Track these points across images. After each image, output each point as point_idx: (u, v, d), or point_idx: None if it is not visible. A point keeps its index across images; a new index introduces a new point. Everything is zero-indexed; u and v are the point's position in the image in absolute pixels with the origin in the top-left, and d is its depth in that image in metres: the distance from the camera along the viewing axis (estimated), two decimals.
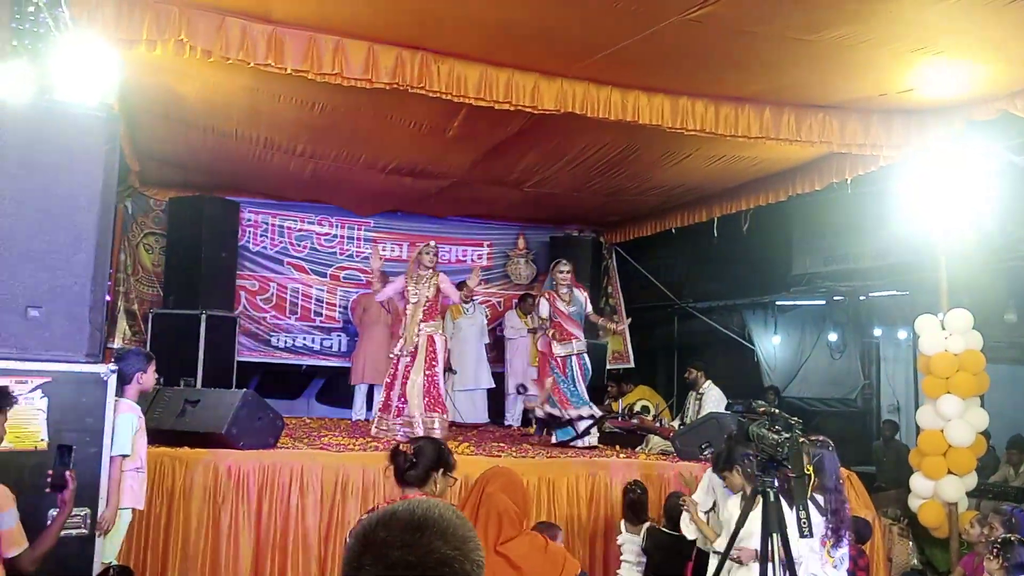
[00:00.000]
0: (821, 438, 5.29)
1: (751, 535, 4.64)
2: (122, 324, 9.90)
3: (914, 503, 7.12)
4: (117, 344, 9.55)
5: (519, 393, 9.90)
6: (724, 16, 4.79)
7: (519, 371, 10.10)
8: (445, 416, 7.55)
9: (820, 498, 4.96)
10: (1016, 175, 6.69)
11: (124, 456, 4.64)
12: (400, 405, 7.53)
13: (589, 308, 8.13)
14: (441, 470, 3.51)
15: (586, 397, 7.80)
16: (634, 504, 5.50)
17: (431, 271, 7.73)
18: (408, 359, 7.59)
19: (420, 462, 3.48)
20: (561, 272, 7.97)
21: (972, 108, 6.10)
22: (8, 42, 4.63)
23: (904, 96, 6.01)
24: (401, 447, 3.56)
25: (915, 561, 7.23)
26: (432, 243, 7.99)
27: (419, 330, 7.58)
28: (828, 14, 4.79)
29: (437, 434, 7.06)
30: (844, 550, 5.07)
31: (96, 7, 4.77)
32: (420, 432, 7.17)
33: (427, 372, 7.54)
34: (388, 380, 7.71)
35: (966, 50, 5.23)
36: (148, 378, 5.03)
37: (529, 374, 9.96)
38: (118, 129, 5.03)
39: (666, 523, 5.60)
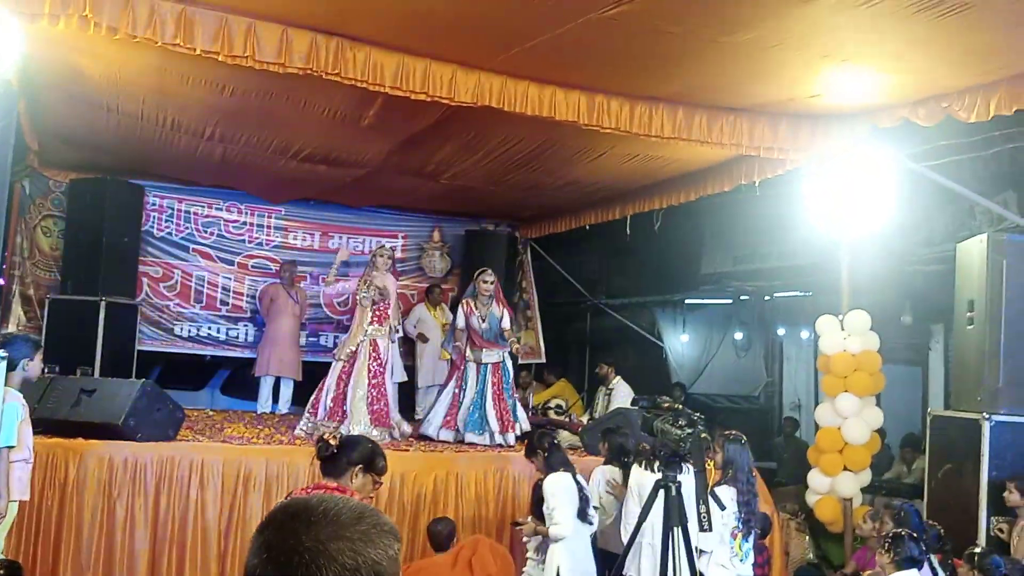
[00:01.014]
0: (734, 433, 5.43)
1: (652, 527, 4.72)
2: (17, 309, 9.49)
3: (811, 498, 7.34)
4: (12, 329, 9.15)
5: None
6: (640, 14, 4.83)
7: (429, 365, 10.04)
8: (387, 430, 7.40)
9: (733, 490, 5.09)
10: (915, 182, 6.95)
11: (10, 447, 4.43)
12: (331, 406, 7.37)
13: (507, 324, 7.95)
14: (361, 466, 3.59)
15: (490, 420, 7.61)
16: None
17: (382, 273, 7.62)
18: (347, 363, 7.45)
19: (342, 454, 3.59)
20: (484, 282, 7.89)
21: (876, 115, 6.30)
22: None
23: (812, 101, 6.17)
24: (326, 435, 3.66)
25: (811, 555, 7.46)
26: (387, 245, 7.91)
27: (365, 333, 7.45)
28: (741, 16, 4.87)
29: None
30: (750, 544, 5.21)
31: None
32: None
33: (372, 381, 7.41)
34: (325, 379, 7.56)
35: (871, 58, 5.39)
36: (34, 366, 4.84)
37: (439, 368, 9.93)
38: (15, 105, 4.83)
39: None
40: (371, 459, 3.66)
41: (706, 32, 5.10)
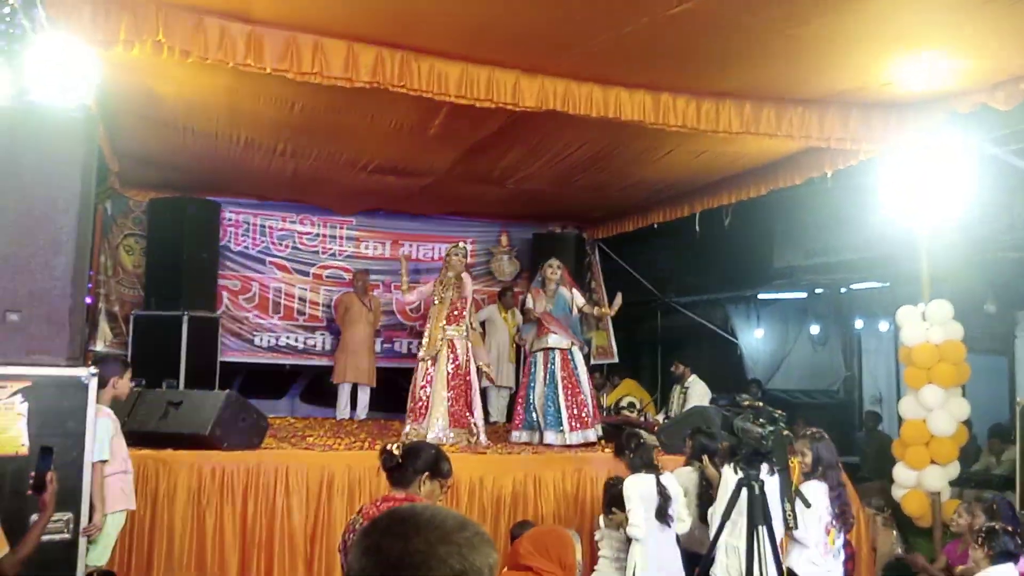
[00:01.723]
0: (817, 431, 5.37)
1: (736, 526, 4.68)
2: (103, 326, 9.82)
3: (897, 493, 7.17)
4: (100, 347, 9.49)
5: None
6: (703, 11, 4.79)
7: (496, 365, 10.08)
8: (464, 432, 7.48)
9: (824, 486, 5.04)
10: (996, 167, 6.74)
11: (103, 461, 4.61)
12: (421, 412, 7.47)
13: (580, 302, 8.05)
14: (427, 473, 3.54)
15: (560, 413, 7.59)
16: (615, 499, 5.54)
17: (459, 272, 7.71)
18: (429, 363, 7.56)
19: (407, 463, 3.53)
20: (551, 267, 7.97)
21: (952, 101, 6.13)
22: None
23: (883, 89, 6.04)
24: (389, 446, 3.59)
25: (899, 550, 7.28)
26: (460, 244, 7.99)
27: (443, 335, 7.55)
28: (807, 7, 4.80)
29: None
30: (843, 538, 5.15)
31: (73, 7, 4.72)
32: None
33: (451, 384, 7.49)
34: (412, 384, 7.69)
35: (945, 44, 5.26)
36: (123, 384, 5.01)
37: (505, 370, 10.00)
38: (96, 130, 5.00)
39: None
40: (435, 464, 3.62)
41: (771, 25, 5.03)
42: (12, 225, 4.20)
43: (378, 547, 1.41)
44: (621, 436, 5.90)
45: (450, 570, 1.38)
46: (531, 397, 7.77)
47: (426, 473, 3.55)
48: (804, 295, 12.34)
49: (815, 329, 12.90)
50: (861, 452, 10.55)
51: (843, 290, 11.70)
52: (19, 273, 4.19)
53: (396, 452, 3.54)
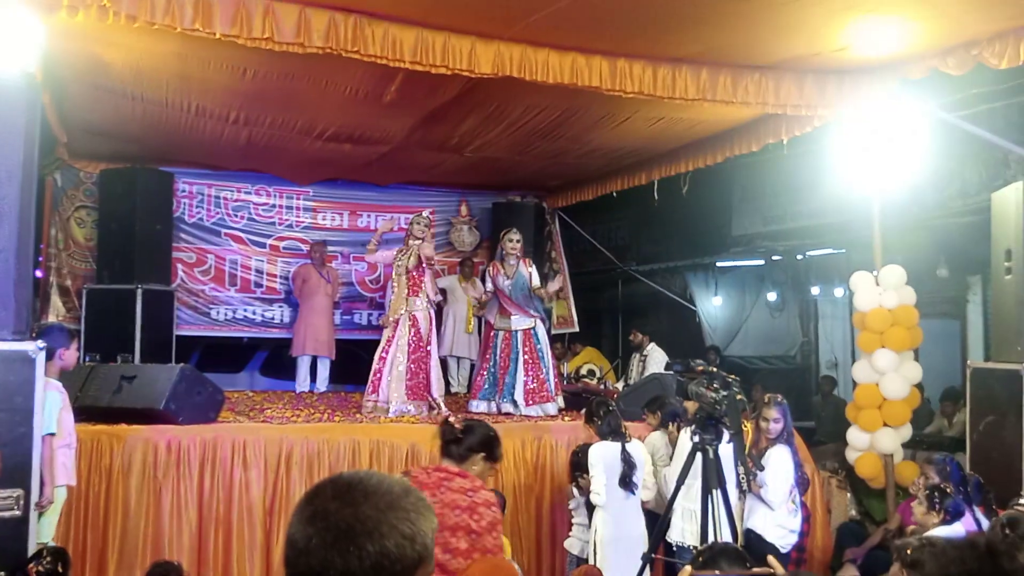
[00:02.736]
0: (775, 395, 5.44)
1: (692, 490, 4.73)
2: (55, 300, 9.66)
3: (851, 455, 7.30)
4: (51, 320, 9.32)
5: None
6: None
7: (449, 335, 10.06)
8: (424, 404, 7.48)
9: (788, 449, 5.13)
10: (947, 133, 6.82)
11: (51, 435, 4.52)
12: (375, 383, 7.44)
13: (535, 282, 8.05)
14: (483, 454, 3.68)
15: (515, 390, 7.63)
16: (577, 466, 5.58)
17: (421, 241, 7.63)
18: (390, 333, 7.51)
19: (465, 440, 3.65)
20: (510, 241, 7.94)
21: (904, 67, 6.17)
22: None
23: (838, 55, 6.06)
24: (451, 419, 3.77)
25: (853, 512, 7.43)
26: (424, 213, 7.91)
27: (404, 306, 7.49)
28: None
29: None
30: (799, 499, 5.27)
31: None
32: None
33: (412, 357, 7.45)
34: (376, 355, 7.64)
35: (898, 8, 5.26)
36: (70, 355, 4.92)
37: (463, 341, 9.99)
38: (39, 99, 4.86)
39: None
40: (491, 446, 3.72)
41: None
42: None
43: (325, 513, 1.39)
44: (591, 403, 5.93)
45: (400, 535, 1.39)
46: (492, 368, 7.78)
47: (482, 453, 3.66)
48: (762, 262, 12.45)
49: (772, 296, 13.05)
50: (817, 416, 10.73)
51: (799, 256, 11.83)
52: None
53: (457, 426, 3.67)
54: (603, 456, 5.33)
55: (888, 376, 7.00)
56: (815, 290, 12.42)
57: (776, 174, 9.69)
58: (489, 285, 7.95)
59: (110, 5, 4.79)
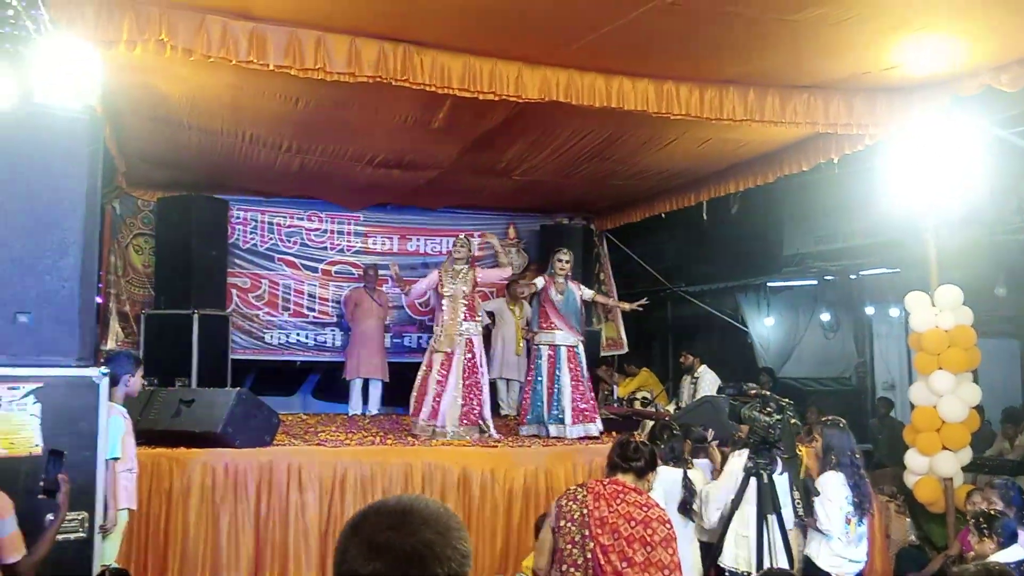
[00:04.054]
0: (832, 418, 5.35)
1: (745, 516, 4.68)
2: (114, 326, 9.88)
3: (910, 479, 7.15)
4: (111, 346, 9.54)
5: None
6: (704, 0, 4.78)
7: (499, 357, 10.07)
8: (477, 429, 7.49)
9: (841, 475, 5.02)
10: (1003, 149, 6.70)
11: (115, 459, 4.64)
12: (435, 407, 7.46)
13: (589, 294, 8.19)
14: (652, 471, 3.98)
15: (563, 407, 7.62)
16: None
17: (468, 265, 7.69)
18: (444, 358, 7.53)
19: (650, 460, 3.95)
20: (560, 261, 7.96)
21: (956, 84, 6.09)
22: None
23: (888, 74, 6.00)
24: (636, 436, 4.10)
25: (913, 537, 7.27)
26: (463, 236, 7.97)
27: (460, 329, 7.54)
28: None
29: None
30: (864, 528, 5.13)
31: (75, 8, 4.73)
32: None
33: (466, 382, 7.47)
34: (420, 378, 7.63)
35: (949, 25, 5.22)
36: (135, 381, 5.04)
37: (512, 363, 10.01)
38: (101, 131, 5.01)
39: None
40: (656, 465, 4.03)
41: (772, 12, 5.02)
42: (20, 228, 4.21)
43: (389, 544, 1.42)
44: (654, 427, 5.88)
45: (460, 555, 1.44)
46: (538, 389, 7.77)
47: (654, 471, 3.94)
48: (814, 282, 12.29)
49: (826, 316, 12.85)
50: (874, 439, 10.53)
51: (853, 276, 11.65)
52: (28, 275, 4.21)
53: (644, 448, 3.92)
54: (664, 481, 5.26)
55: (946, 398, 6.86)
56: (870, 310, 12.22)
57: (828, 192, 9.58)
58: (540, 283, 7.91)
59: (167, 39, 4.96)
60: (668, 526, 3.70)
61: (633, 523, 3.62)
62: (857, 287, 12.04)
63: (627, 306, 8.60)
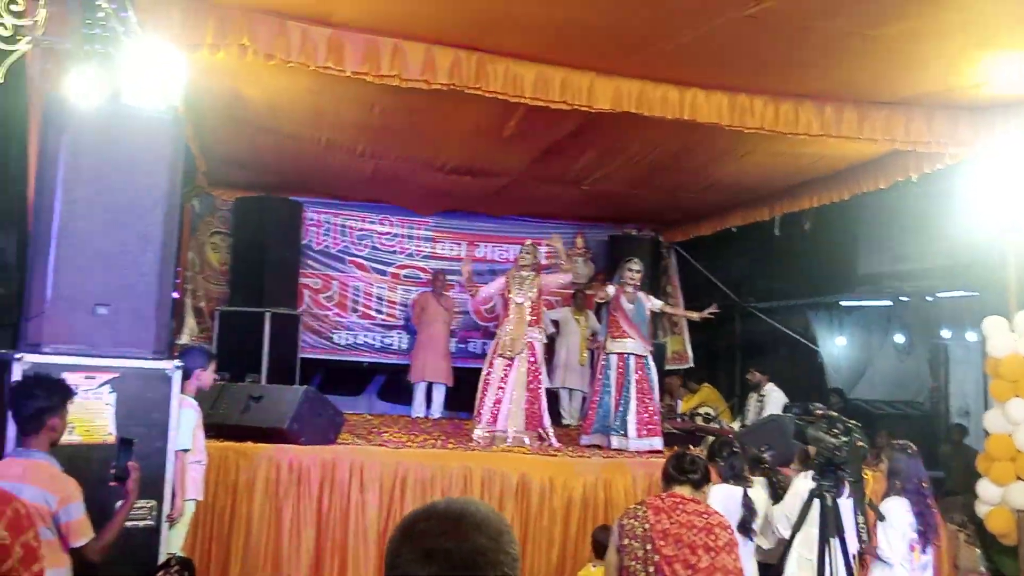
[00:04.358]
0: (901, 442, 5.22)
1: (808, 538, 4.58)
2: (190, 321, 10.14)
3: (981, 509, 6.93)
4: (185, 340, 9.80)
5: None
6: (782, 12, 4.73)
7: (562, 367, 10.05)
8: (536, 436, 7.50)
9: (905, 501, 4.90)
10: None
11: (185, 451, 4.76)
12: (495, 413, 7.50)
13: (658, 305, 8.15)
14: (707, 485, 4.07)
15: (627, 419, 7.54)
16: None
17: (534, 273, 7.73)
18: (507, 363, 7.56)
19: (705, 473, 4.04)
20: (630, 271, 7.90)
21: None
22: (80, 47, 4.79)
23: (972, 91, 5.85)
24: (692, 449, 4.17)
25: (982, 568, 7.03)
26: (529, 243, 8.00)
27: (524, 336, 7.58)
28: (891, 8, 4.69)
29: None
30: (929, 557, 4.99)
31: (162, 12, 4.91)
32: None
33: (529, 387, 7.50)
34: (482, 383, 7.65)
35: None
36: (207, 376, 5.16)
37: (575, 372, 9.98)
38: (183, 131, 5.16)
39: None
40: (709, 479, 4.10)
41: (852, 26, 4.94)
42: (103, 223, 4.36)
43: (445, 551, 1.41)
44: (713, 443, 5.81)
45: (512, 559, 1.44)
46: (605, 400, 7.73)
47: (707, 484, 4.03)
48: (889, 303, 11.99)
49: (900, 338, 12.52)
50: (946, 466, 10.21)
51: (929, 298, 11.33)
52: (109, 268, 4.35)
53: (699, 461, 4.05)
54: (724, 500, 5.18)
55: (1022, 427, 6.63)
56: (946, 334, 11.85)
57: (905, 211, 9.33)
58: (611, 291, 7.88)
59: (249, 44, 5.10)
60: (730, 532, 3.77)
61: (695, 530, 3.68)
62: (933, 309, 11.70)
63: (696, 315, 8.49)
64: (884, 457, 5.06)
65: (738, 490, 5.24)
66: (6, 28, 4.42)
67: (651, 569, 3.63)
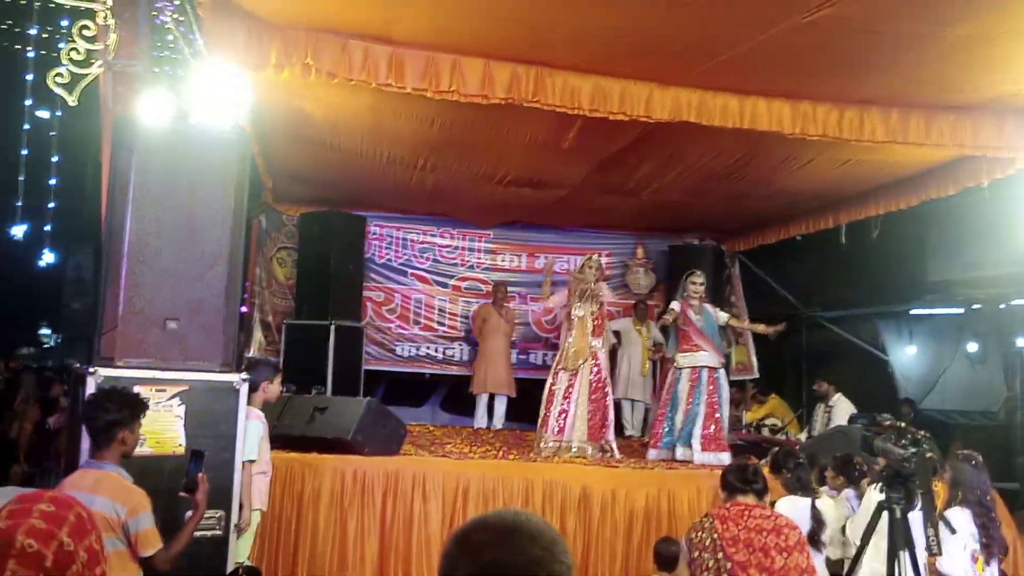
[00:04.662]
0: (965, 452, 5.09)
1: (878, 551, 4.49)
2: (257, 334, 10.36)
3: None
4: (253, 353, 10.00)
5: None
6: (845, 17, 4.65)
7: (624, 378, 9.99)
8: (599, 447, 7.50)
9: (968, 512, 4.78)
10: None
11: (252, 461, 4.85)
12: (560, 423, 7.52)
13: (724, 317, 8.09)
14: (767, 495, 4.12)
15: (694, 432, 7.48)
16: None
17: (595, 283, 7.75)
18: (571, 375, 7.58)
19: (766, 484, 4.06)
20: (693, 284, 7.86)
21: None
22: (149, 69, 4.96)
23: None
24: (753, 460, 4.29)
25: None
26: (594, 256, 8.02)
27: (587, 347, 7.59)
28: (956, 10, 4.59)
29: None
30: (994, 569, 4.85)
31: (228, 35, 5.04)
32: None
33: (592, 397, 7.51)
34: (547, 394, 7.69)
35: None
36: (273, 388, 5.25)
37: (637, 383, 9.92)
38: (249, 150, 5.30)
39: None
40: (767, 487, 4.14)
41: (919, 29, 4.84)
42: (172, 239, 4.49)
43: (502, 563, 1.42)
44: (776, 454, 5.73)
45: (565, 567, 1.44)
46: (671, 413, 7.66)
47: (768, 493, 4.09)
48: (961, 311, 11.67)
49: (973, 346, 12.16)
50: (1022, 478, 9.89)
51: (1002, 305, 11.00)
52: (178, 284, 4.48)
53: (761, 471, 4.09)
54: (791, 512, 5.10)
55: None
56: (1021, 342, 11.49)
57: (976, 216, 9.09)
58: (676, 306, 7.84)
59: (312, 63, 5.22)
60: (798, 531, 3.80)
61: (765, 533, 3.71)
62: (1007, 317, 11.35)
63: (763, 328, 8.36)
64: (948, 467, 4.93)
65: (806, 501, 5.16)
66: (79, 52, 4.61)
67: None
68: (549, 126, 6.59)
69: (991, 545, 4.77)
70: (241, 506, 4.70)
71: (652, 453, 7.69)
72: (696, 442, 7.45)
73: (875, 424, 4.61)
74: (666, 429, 7.66)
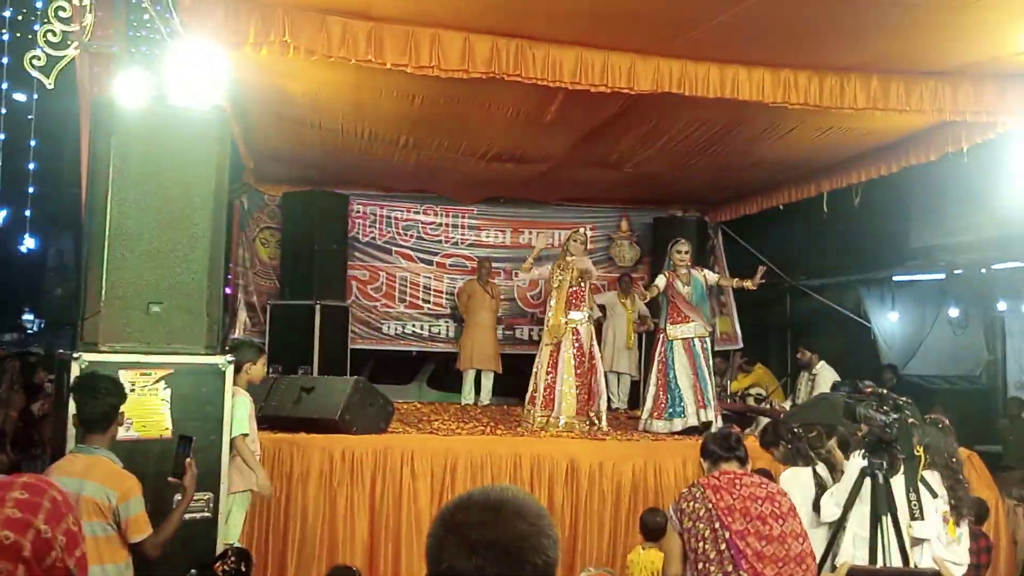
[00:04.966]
0: (932, 416, 5.14)
1: (861, 516, 4.54)
2: (242, 315, 10.34)
3: None
4: (238, 334, 9.98)
5: None
6: None
7: (609, 351, 10.02)
8: (586, 419, 7.55)
9: (938, 475, 4.83)
10: None
11: (245, 435, 4.84)
12: (547, 397, 7.57)
13: (714, 278, 8.16)
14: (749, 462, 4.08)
15: (695, 399, 7.54)
16: None
17: (580, 256, 7.75)
18: (552, 349, 7.62)
19: (746, 451, 4.01)
20: (679, 252, 7.87)
21: None
22: (127, 50, 4.90)
23: (1020, 60, 5.70)
24: (736, 433, 4.14)
25: None
26: (580, 230, 8.02)
27: (565, 320, 7.61)
28: None
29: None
30: (964, 529, 4.92)
31: (205, 12, 4.98)
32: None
33: (577, 372, 7.54)
34: (535, 369, 7.77)
35: None
36: (257, 369, 5.23)
37: (623, 356, 9.96)
38: (229, 130, 5.25)
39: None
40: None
41: None
42: (153, 222, 4.46)
43: (489, 541, 1.43)
44: (769, 427, 5.75)
45: (552, 540, 1.47)
46: (672, 386, 7.64)
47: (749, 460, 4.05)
48: (942, 276, 11.75)
49: (954, 312, 12.26)
50: (1004, 440, 10.02)
51: (984, 270, 11.08)
52: (160, 267, 4.45)
53: (744, 440, 4.07)
54: (796, 482, 5.11)
55: None
56: (1002, 306, 11.60)
57: (956, 182, 9.13)
58: (662, 282, 7.84)
59: (291, 40, 5.16)
60: (788, 497, 3.79)
61: (760, 501, 3.68)
62: (988, 281, 11.44)
63: (750, 284, 8.33)
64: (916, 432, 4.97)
65: (807, 470, 5.18)
66: (55, 34, 4.55)
67: (723, 547, 3.62)
68: (531, 99, 6.56)
69: (959, 506, 4.82)
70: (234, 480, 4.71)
71: (659, 424, 7.62)
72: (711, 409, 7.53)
73: (857, 391, 4.65)
74: (670, 400, 7.64)
